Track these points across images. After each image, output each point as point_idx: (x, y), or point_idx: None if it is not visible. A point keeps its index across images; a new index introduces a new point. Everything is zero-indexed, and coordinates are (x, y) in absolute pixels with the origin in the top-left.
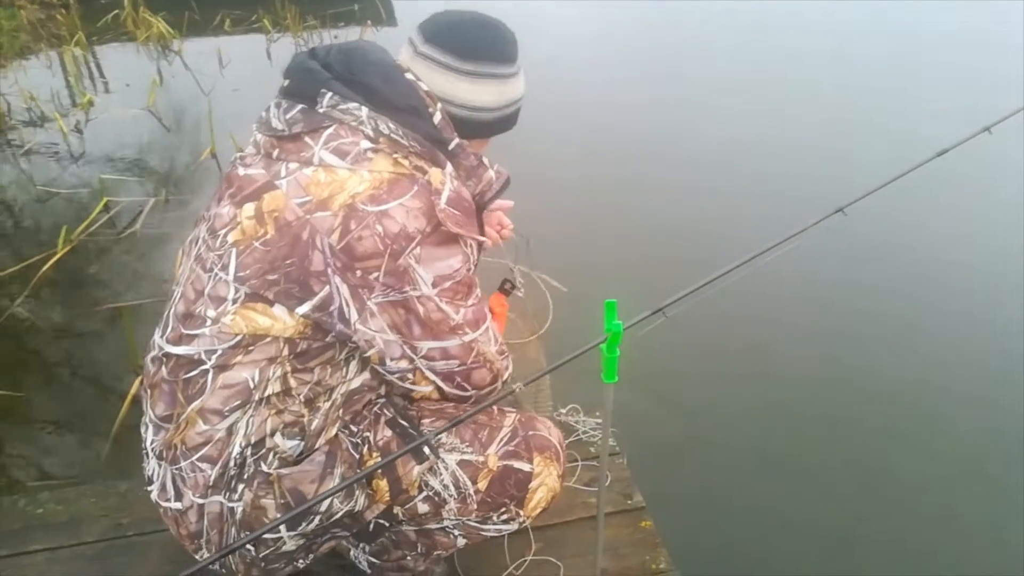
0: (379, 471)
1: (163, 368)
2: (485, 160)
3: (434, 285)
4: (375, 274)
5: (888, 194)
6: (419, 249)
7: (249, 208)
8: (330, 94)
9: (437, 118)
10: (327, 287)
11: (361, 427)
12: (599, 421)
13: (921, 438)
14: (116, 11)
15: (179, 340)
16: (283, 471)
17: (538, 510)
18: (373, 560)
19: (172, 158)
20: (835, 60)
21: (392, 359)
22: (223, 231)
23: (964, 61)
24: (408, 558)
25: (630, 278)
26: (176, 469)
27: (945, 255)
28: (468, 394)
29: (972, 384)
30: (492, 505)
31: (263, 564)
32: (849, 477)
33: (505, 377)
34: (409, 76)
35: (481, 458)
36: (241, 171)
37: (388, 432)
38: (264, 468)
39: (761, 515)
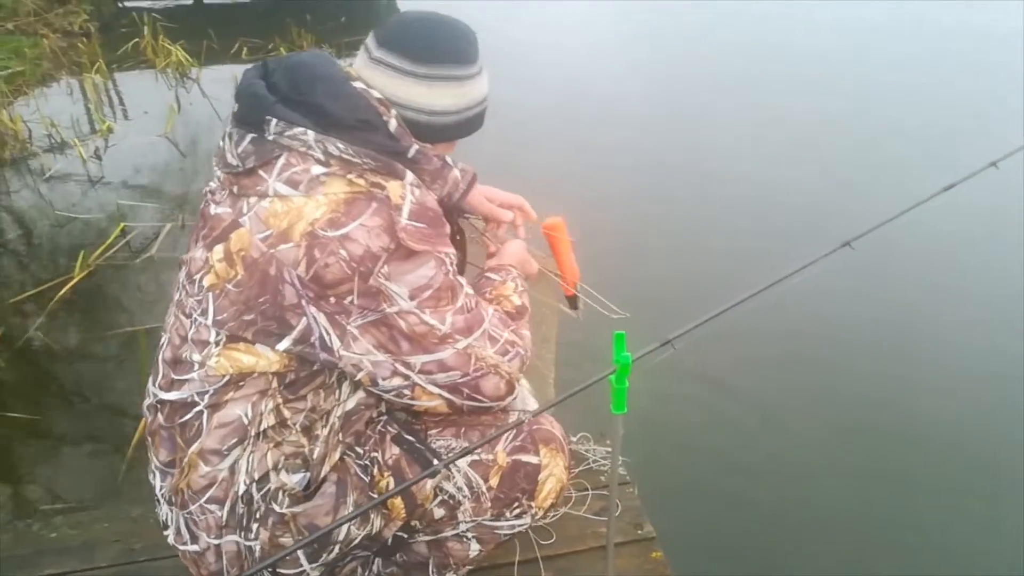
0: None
1: (159, 415)
2: (449, 160)
3: (412, 298)
4: (349, 298)
5: (896, 227)
6: (387, 267)
7: (219, 250)
8: (275, 121)
9: (392, 126)
10: (304, 319)
11: (367, 448)
12: (609, 450)
13: (936, 471)
14: (136, 39)
15: (170, 386)
16: (296, 509)
17: (548, 501)
18: None
19: (188, 183)
20: (845, 87)
21: (383, 379)
22: (198, 275)
23: (972, 87)
24: None
25: (639, 301)
26: (187, 514)
27: (954, 288)
28: (486, 405)
29: (987, 419)
30: (505, 501)
31: None
32: (866, 510)
33: (518, 375)
34: (359, 85)
35: (491, 456)
36: (212, 209)
37: (396, 449)
38: (276, 508)
39: (773, 548)
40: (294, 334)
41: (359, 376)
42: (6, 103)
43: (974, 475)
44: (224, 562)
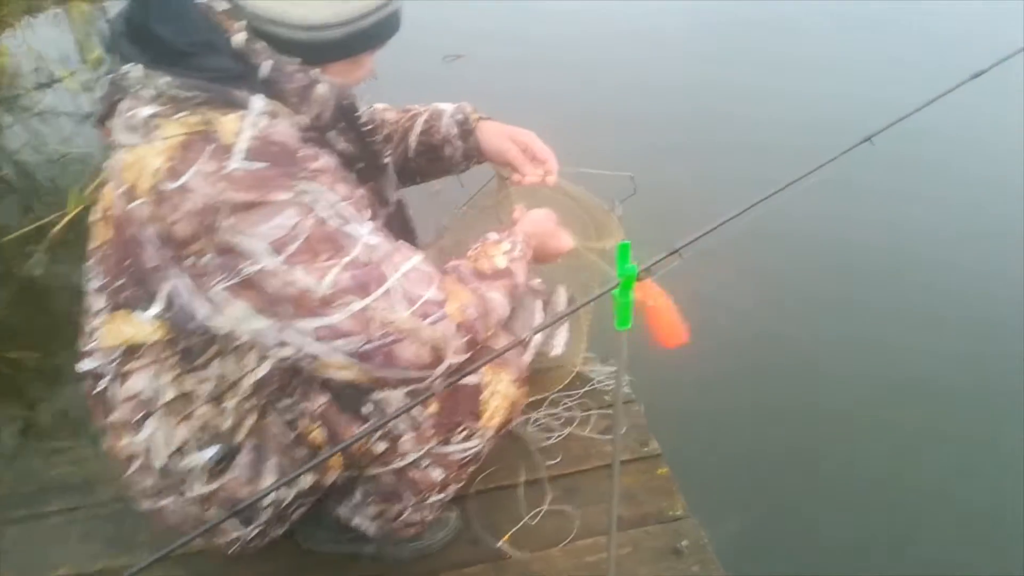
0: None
1: (85, 385)
2: (314, 73)
3: (276, 252)
4: (205, 258)
5: (919, 123)
6: (232, 218)
7: (97, 210)
8: (118, 57)
9: (239, 40)
10: (166, 283)
11: (293, 398)
12: (614, 369)
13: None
14: None
15: (82, 357)
16: (212, 486)
17: (496, 419)
18: (378, 526)
19: None
20: None
21: (270, 349)
22: (89, 242)
23: None
24: (408, 510)
25: (648, 212)
26: (126, 479)
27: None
28: (412, 375)
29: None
30: (448, 426)
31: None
32: (883, 425)
33: (452, 342)
34: (203, 0)
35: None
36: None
37: (325, 397)
38: (195, 485)
39: (779, 460)
40: (160, 300)
41: (240, 343)
42: None
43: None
44: (170, 523)
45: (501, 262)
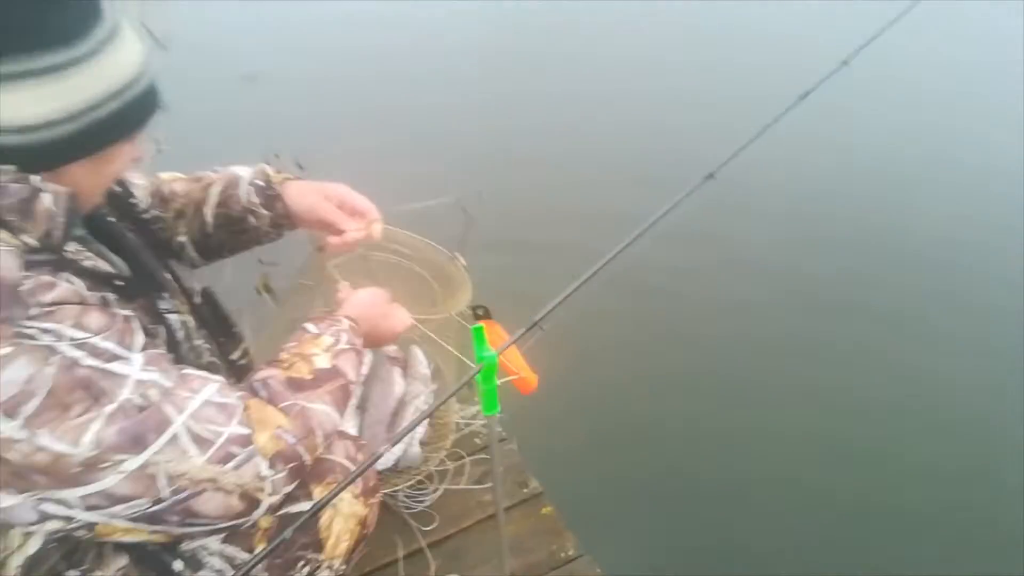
0: None
1: None
2: (36, 181)
3: (10, 417)
4: None
5: (757, 150)
6: None
7: None
8: None
9: None
10: None
11: (85, 566)
12: (477, 409)
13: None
14: None
15: None
16: None
17: (343, 545)
18: None
19: None
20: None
21: (32, 525)
22: None
23: None
24: None
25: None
26: None
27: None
28: (226, 526)
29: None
30: (284, 565)
31: None
32: (745, 431)
33: (265, 484)
34: None
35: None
36: None
37: (123, 559)
38: None
39: (667, 485)
40: None
41: None
42: None
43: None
44: None
45: (322, 361)
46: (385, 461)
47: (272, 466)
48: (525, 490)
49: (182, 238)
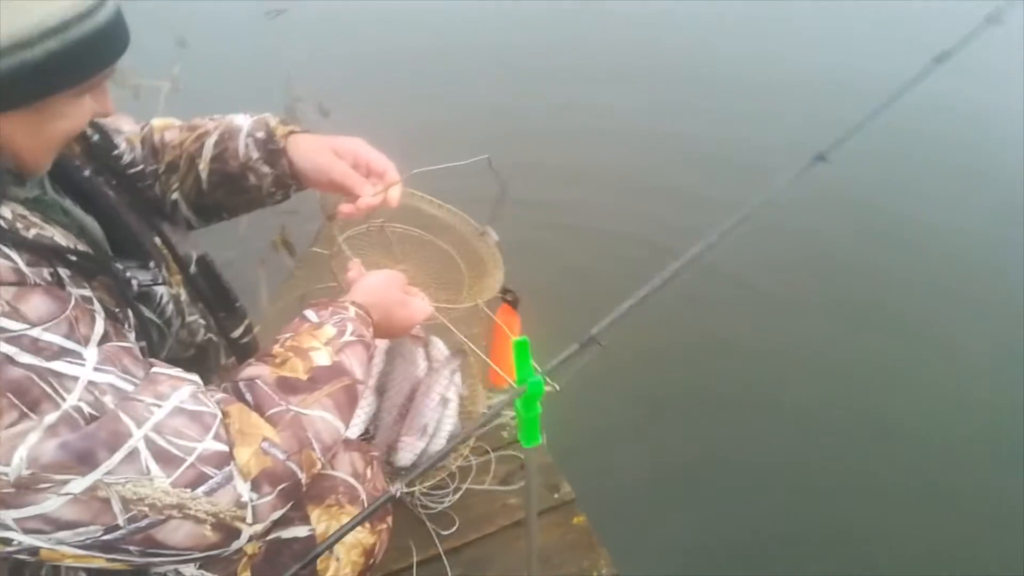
0: None
1: None
2: None
3: None
4: None
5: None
6: None
7: None
8: None
9: None
10: None
11: None
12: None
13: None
14: None
15: None
16: None
17: (345, 572)
18: None
19: None
20: None
21: None
22: None
23: None
24: None
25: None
26: None
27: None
28: (197, 557)
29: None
30: None
31: None
32: (792, 462)
33: (242, 512)
34: None
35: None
36: None
37: None
38: None
39: (707, 502)
40: None
41: None
42: None
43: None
44: None
45: (322, 357)
46: (405, 458)
47: (256, 488)
48: (556, 495)
49: (175, 195)
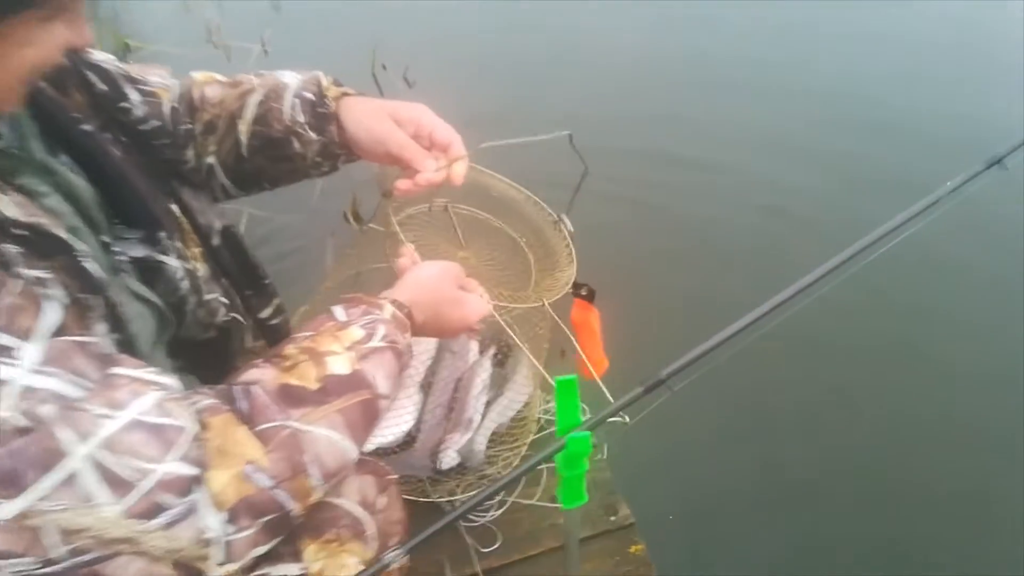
0: None
1: None
2: None
3: None
4: None
5: None
6: None
7: None
8: None
9: None
10: None
11: None
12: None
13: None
14: None
15: None
16: None
17: None
18: None
19: None
20: None
21: None
22: None
23: None
24: None
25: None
26: None
27: None
28: None
29: None
30: None
31: None
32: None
33: (240, 543)
34: None
35: None
36: None
37: None
38: None
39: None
40: None
41: None
42: None
43: None
44: None
45: (340, 364)
46: (450, 459)
47: (233, 520)
48: (613, 518)
49: (210, 159)
